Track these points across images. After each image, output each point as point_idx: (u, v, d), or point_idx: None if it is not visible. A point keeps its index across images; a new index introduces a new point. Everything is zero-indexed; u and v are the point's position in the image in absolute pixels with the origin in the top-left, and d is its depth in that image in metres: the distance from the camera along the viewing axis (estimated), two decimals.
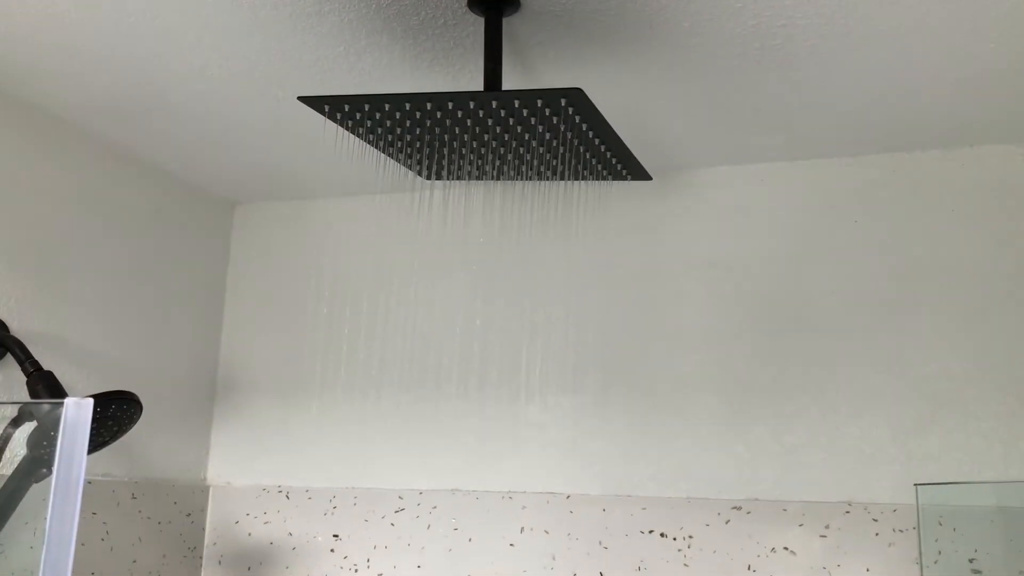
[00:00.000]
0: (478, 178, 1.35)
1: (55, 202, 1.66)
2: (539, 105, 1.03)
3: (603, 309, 1.80)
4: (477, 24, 1.28)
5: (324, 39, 1.35)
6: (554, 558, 1.73)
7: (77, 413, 0.67)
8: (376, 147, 1.25)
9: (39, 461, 1.43)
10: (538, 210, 1.79)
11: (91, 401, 0.70)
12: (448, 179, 1.38)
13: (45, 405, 1.41)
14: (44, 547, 0.62)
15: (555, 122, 1.08)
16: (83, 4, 1.28)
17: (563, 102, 1.02)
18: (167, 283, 1.91)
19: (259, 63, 1.44)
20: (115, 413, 1.42)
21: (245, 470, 1.98)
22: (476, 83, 1.46)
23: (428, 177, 1.36)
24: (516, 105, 1.04)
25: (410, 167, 1.32)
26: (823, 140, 1.67)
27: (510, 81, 1.44)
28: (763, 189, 1.77)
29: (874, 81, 1.43)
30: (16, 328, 1.56)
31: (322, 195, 2.05)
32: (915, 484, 1.35)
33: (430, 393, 1.88)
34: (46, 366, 1.49)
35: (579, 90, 0.99)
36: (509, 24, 1.27)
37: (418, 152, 1.26)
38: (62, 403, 1.34)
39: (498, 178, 1.33)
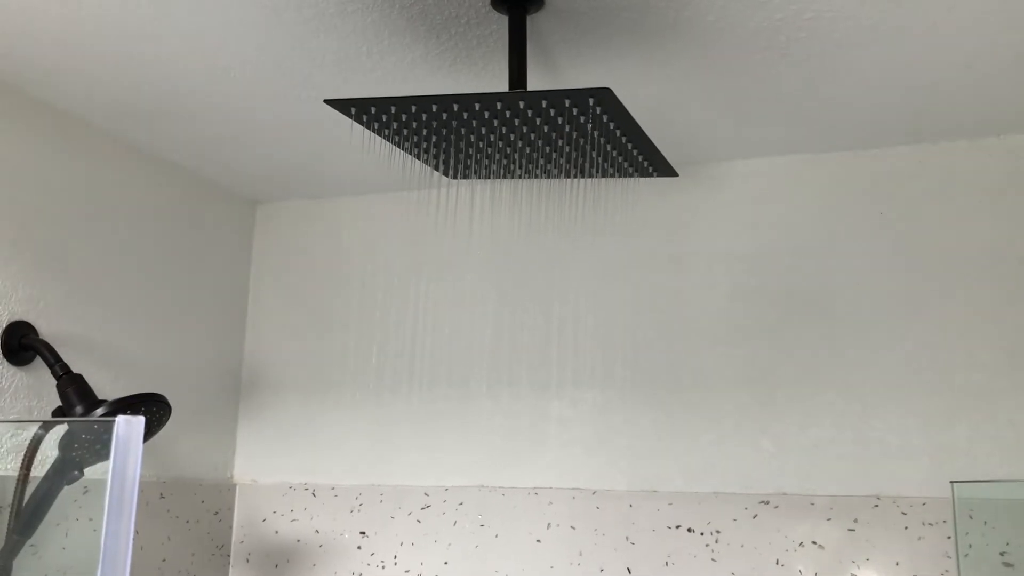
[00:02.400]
0: (503, 177, 1.35)
1: (79, 203, 1.67)
2: (567, 105, 1.03)
3: (628, 304, 1.80)
4: (500, 22, 1.28)
5: (346, 39, 1.35)
6: (581, 554, 1.73)
7: (128, 429, 0.67)
8: (401, 148, 1.25)
9: (70, 463, 1.44)
10: (563, 206, 1.79)
11: (142, 419, 0.70)
12: (473, 178, 1.37)
13: (77, 408, 1.43)
14: (100, 563, 0.62)
15: (583, 121, 1.07)
16: (105, 7, 1.28)
17: (591, 101, 1.01)
18: (190, 283, 1.92)
19: (282, 64, 1.44)
20: (145, 414, 1.42)
21: (271, 468, 1.99)
22: (500, 82, 1.46)
23: (453, 176, 1.36)
24: (543, 105, 1.04)
25: (435, 167, 1.32)
26: (849, 132, 1.66)
27: (535, 79, 1.44)
28: (788, 182, 1.76)
29: (901, 71, 1.42)
30: (43, 330, 1.57)
31: (345, 193, 2.05)
32: (951, 482, 1.34)
33: (456, 390, 1.88)
34: (74, 368, 1.50)
35: (608, 90, 0.98)
36: (533, 22, 1.27)
37: (444, 152, 1.25)
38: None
39: (524, 177, 1.33)
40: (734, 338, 1.73)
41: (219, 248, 2.02)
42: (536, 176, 1.33)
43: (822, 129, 1.65)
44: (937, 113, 1.57)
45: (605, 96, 1.00)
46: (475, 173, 1.34)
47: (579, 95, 1.00)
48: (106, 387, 1.66)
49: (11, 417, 1.51)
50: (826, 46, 1.34)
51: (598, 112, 1.04)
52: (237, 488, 2.00)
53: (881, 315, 1.66)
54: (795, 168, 1.76)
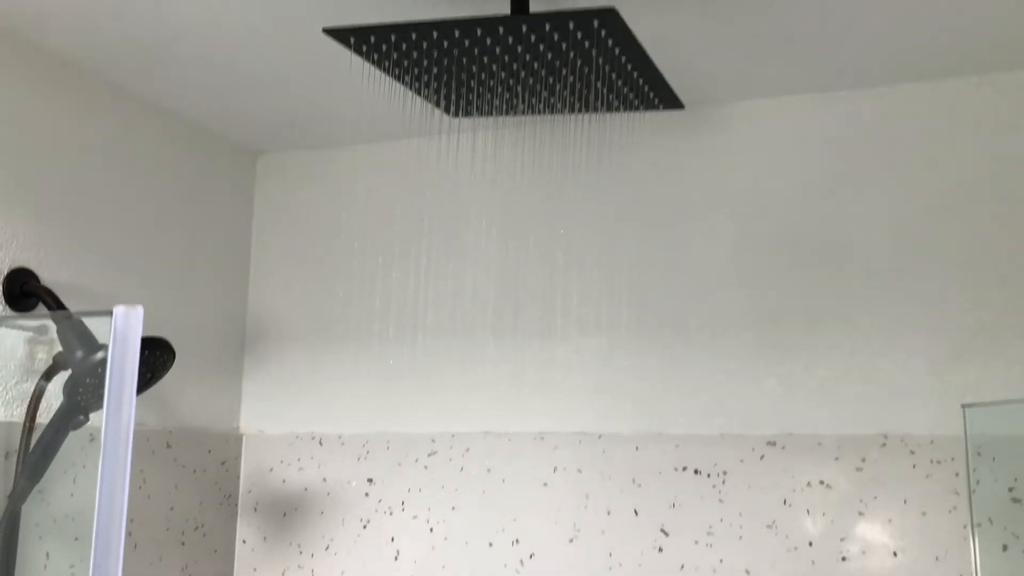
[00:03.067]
0: (505, 113, 1.33)
1: (79, 152, 1.65)
2: (571, 28, 1.01)
3: (633, 247, 1.78)
4: None
5: None
6: (587, 497, 1.74)
7: (127, 320, 0.65)
8: (402, 82, 1.23)
9: (75, 408, 1.44)
10: (567, 150, 1.77)
11: (140, 308, 0.69)
12: (475, 115, 1.35)
13: (78, 353, 1.42)
14: (100, 459, 0.61)
15: (587, 46, 1.05)
16: None
17: (596, 23, 0.99)
18: (192, 233, 1.91)
19: (277, 3, 1.41)
20: (148, 359, 1.42)
21: (278, 418, 1.99)
22: (502, 9, 1.43)
23: (455, 114, 1.34)
24: (547, 29, 1.02)
25: (436, 103, 1.30)
26: (857, 70, 1.63)
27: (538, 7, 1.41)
28: (796, 122, 1.73)
29: (910, 7, 1.38)
30: (45, 278, 1.56)
31: (346, 142, 2.03)
32: (963, 405, 1.33)
33: (461, 337, 1.87)
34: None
35: (613, 10, 0.96)
36: None
37: (445, 86, 1.23)
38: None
39: (526, 112, 1.31)
40: (740, 280, 1.71)
41: (221, 198, 2.00)
42: (539, 111, 1.31)
43: (830, 67, 1.62)
44: (946, 49, 1.54)
45: (610, 17, 0.97)
46: (477, 109, 1.32)
47: (584, 16, 0.98)
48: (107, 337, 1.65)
49: (12, 365, 1.51)
50: None
51: (603, 35, 1.01)
52: (244, 438, 2.00)
53: (888, 255, 1.64)
54: (802, 108, 1.73)
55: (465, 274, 1.89)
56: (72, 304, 1.54)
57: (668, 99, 1.22)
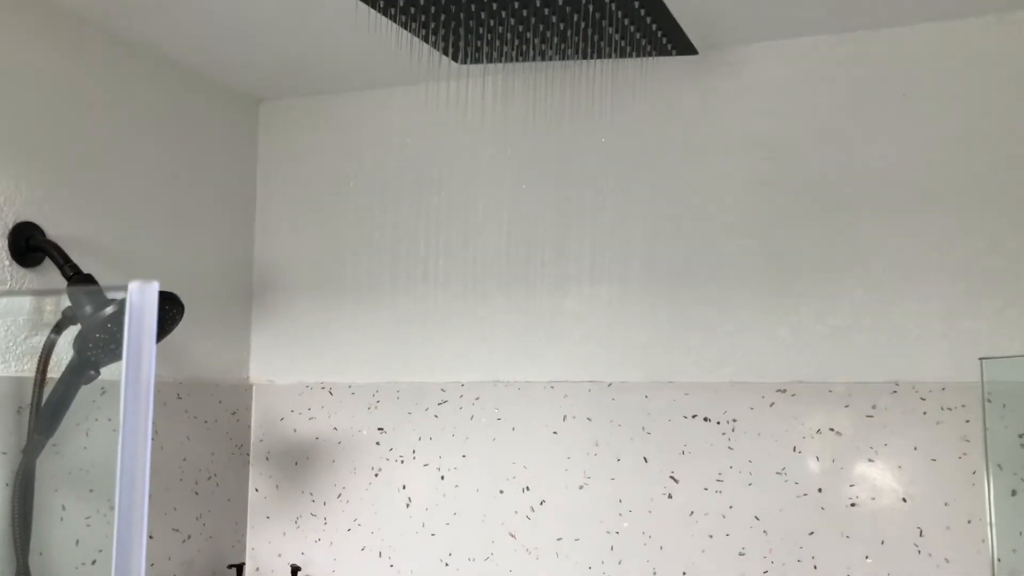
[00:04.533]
0: (514, 60, 1.29)
1: (81, 103, 1.62)
2: None
3: (643, 194, 1.76)
4: None
5: None
6: (597, 444, 1.74)
7: (142, 297, 0.64)
8: (408, 29, 1.19)
9: (86, 363, 1.44)
10: (577, 95, 1.74)
11: (156, 283, 0.68)
12: (483, 62, 1.32)
13: (87, 307, 1.41)
14: (119, 443, 0.60)
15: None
16: None
17: None
18: (196, 183, 1.89)
19: None
20: (157, 313, 1.41)
21: (287, 368, 1.99)
22: None
23: (463, 61, 1.31)
24: None
25: (444, 51, 1.27)
26: (870, 8, 1.59)
27: None
28: (807, 64, 1.70)
29: None
30: (50, 232, 1.55)
31: (349, 89, 2.00)
32: (980, 359, 1.32)
33: (470, 287, 1.87)
34: (83, 269, 1.49)
35: None
36: None
37: (453, 33, 1.20)
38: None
39: (535, 59, 1.28)
40: (751, 227, 1.70)
41: (224, 147, 1.97)
42: (549, 58, 1.28)
43: (842, 6, 1.58)
44: None
45: None
46: (486, 57, 1.29)
47: None
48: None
49: (21, 319, 1.50)
50: None
51: None
52: (254, 388, 2.01)
53: (901, 201, 1.62)
54: (814, 50, 1.69)
55: (474, 222, 1.87)
56: (77, 257, 1.52)
57: (681, 44, 1.19)
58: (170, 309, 1.44)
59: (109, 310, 1.37)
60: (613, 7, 1.05)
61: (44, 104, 1.55)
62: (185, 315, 1.56)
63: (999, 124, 1.58)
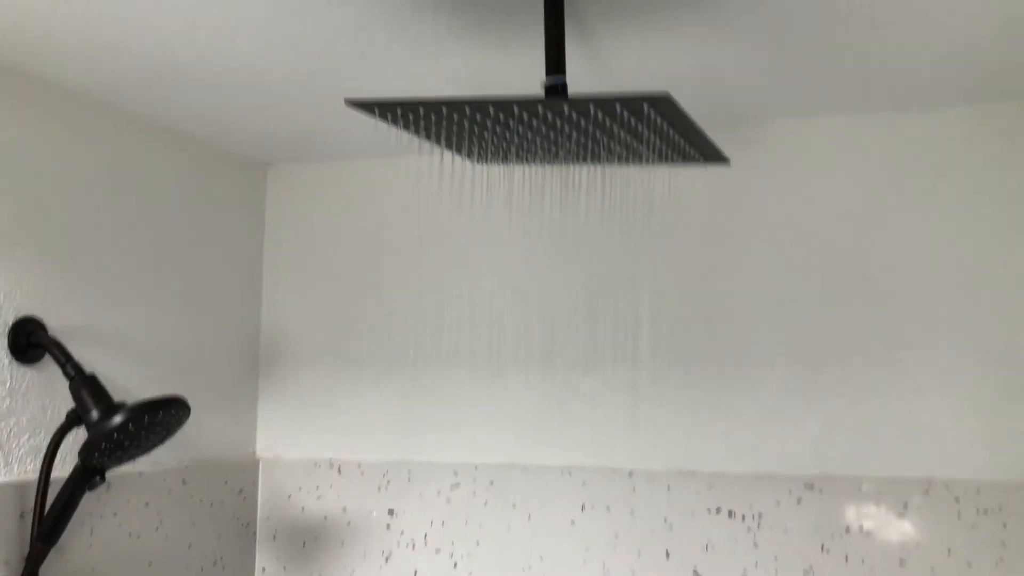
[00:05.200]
0: (539, 163, 1.24)
1: (83, 182, 1.57)
2: (618, 110, 0.92)
3: (666, 274, 1.70)
4: None
5: (363, 12, 1.22)
6: (617, 536, 1.69)
7: None
8: (428, 139, 1.14)
9: (91, 470, 1.39)
10: (597, 170, 1.68)
11: None
12: (500, 163, 1.27)
13: (94, 412, 1.36)
14: None
15: (633, 123, 0.96)
16: None
17: (646, 107, 0.90)
18: (203, 254, 1.83)
19: (293, 37, 1.32)
20: (163, 419, 1.36)
21: (295, 443, 1.94)
22: (532, 54, 1.34)
23: (484, 162, 1.26)
24: (591, 109, 0.93)
25: (465, 155, 1.22)
26: (904, 91, 1.53)
27: (572, 52, 1.31)
28: (837, 143, 1.64)
29: (963, 30, 1.28)
30: (52, 325, 1.49)
31: (359, 156, 1.94)
32: None
33: (484, 364, 1.81)
34: (85, 360, 1.43)
35: (667, 96, 0.87)
36: None
37: (475, 145, 1.15)
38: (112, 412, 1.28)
39: (563, 164, 1.22)
40: (779, 312, 1.64)
41: (230, 215, 1.92)
42: (578, 163, 1.22)
43: (876, 87, 1.52)
44: (998, 72, 1.44)
45: (663, 102, 0.89)
46: (509, 160, 1.24)
47: (634, 101, 0.89)
48: (119, 378, 1.59)
49: (24, 419, 1.45)
50: (889, 7, 1.21)
51: (653, 116, 0.93)
52: (260, 464, 1.95)
53: (935, 289, 1.56)
54: (845, 129, 1.64)
55: (492, 295, 1.82)
56: (81, 349, 1.47)
57: (714, 156, 1.14)
58: (176, 413, 1.38)
59: (118, 419, 1.31)
60: (648, 134, 0.99)
61: (44, 186, 1.50)
62: (191, 390, 1.53)
63: None
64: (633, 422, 1.71)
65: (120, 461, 1.39)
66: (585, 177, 1.69)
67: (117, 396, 1.39)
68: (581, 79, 1.44)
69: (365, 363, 1.90)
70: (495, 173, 1.76)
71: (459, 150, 1.19)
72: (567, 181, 1.71)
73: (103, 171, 1.61)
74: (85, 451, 1.34)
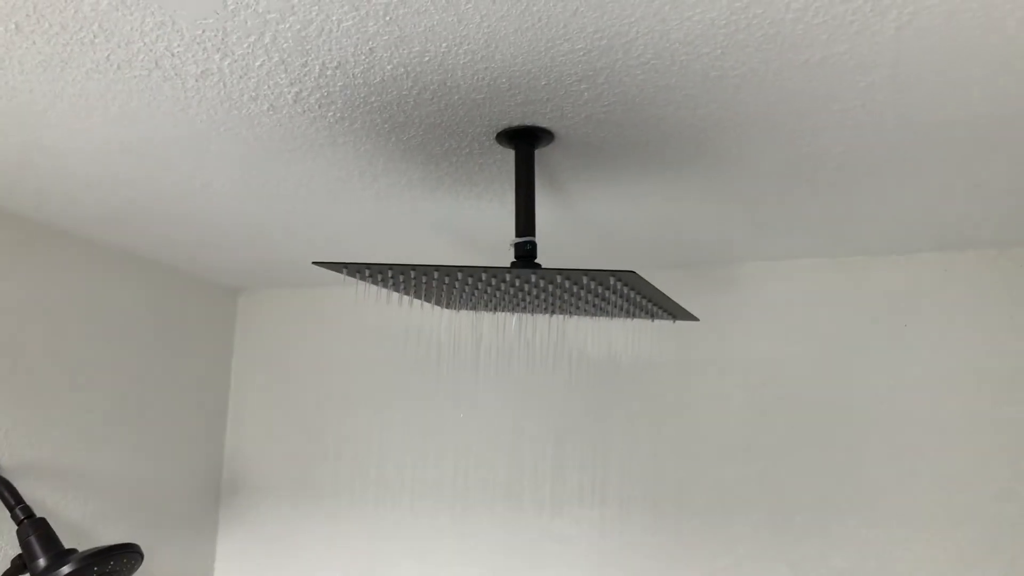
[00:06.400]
0: (509, 312, 1.24)
1: (52, 314, 1.54)
2: (585, 281, 0.92)
3: (635, 416, 1.69)
4: (506, 153, 1.17)
5: (337, 164, 1.23)
6: None
7: None
8: (397, 293, 1.13)
9: None
10: (565, 322, 1.68)
11: None
12: (472, 311, 1.26)
13: (40, 561, 1.30)
14: None
15: (601, 291, 0.96)
16: (73, 133, 1.16)
17: (612, 280, 0.90)
18: (170, 382, 1.80)
19: (267, 183, 1.32)
20: (114, 568, 1.31)
21: None
22: (502, 205, 1.35)
23: (448, 307, 1.25)
24: (558, 280, 0.93)
25: (431, 302, 1.21)
26: (873, 239, 1.56)
27: (543, 203, 1.33)
28: (807, 285, 1.65)
29: (935, 190, 1.31)
30: (6, 462, 1.44)
31: (330, 283, 1.93)
32: None
33: (449, 503, 1.77)
34: (39, 496, 1.39)
35: (633, 273, 0.87)
36: (541, 153, 1.16)
37: (445, 297, 1.14)
38: (60, 561, 1.23)
39: (527, 313, 1.22)
40: (750, 453, 1.62)
41: (199, 340, 1.89)
42: (546, 315, 1.22)
43: (844, 238, 1.55)
44: (965, 222, 1.47)
45: (630, 277, 0.89)
46: (477, 309, 1.23)
47: (601, 275, 0.89)
48: (75, 515, 1.53)
49: None
50: (856, 175, 1.23)
51: (620, 287, 0.93)
52: None
53: (907, 434, 1.55)
54: (815, 272, 1.65)
55: (458, 433, 1.79)
56: (35, 486, 1.42)
57: (684, 317, 1.14)
58: (129, 561, 1.33)
59: (66, 570, 1.26)
60: (616, 299, 0.99)
61: (12, 322, 1.47)
62: (150, 521, 1.48)
63: (1005, 356, 1.53)
64: (602, 565, 1.66)
65: None
66: (554, 325, 1.69)
67: (71, 532, 1.34)
68: (552, 226, 1.45)
69: (328, 497, 1.85)
70: (465, 316, 1.75)
71: (427, 300, 1.19)
72: (536, 327, 1.71)
73: (72, 302, 1.59)
74: None
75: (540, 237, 1.43)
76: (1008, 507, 1.48)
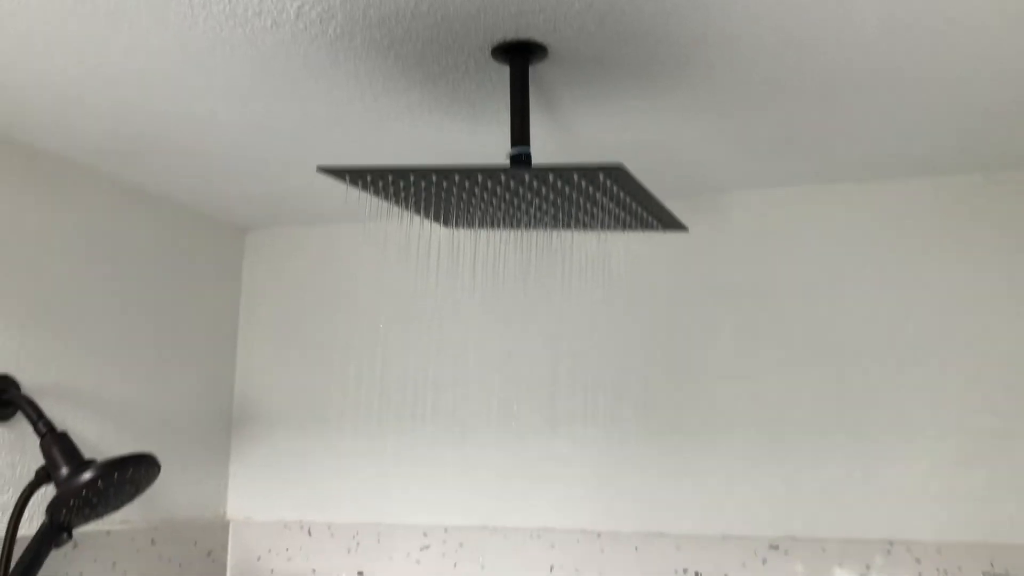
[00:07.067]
0: (505, 228, 1.29)
1: (61, 244, 1.60)
2: (575, 179, 0.97)
3: (633, 340, 1.74)
4: (501, 70, 1.21)
5: (338, 86, 1.28)
6: None
7: None
8: (397, 205, 1.18)
9: (59, 528, 1.39)
10: (566, 236, 1.73)
11: None
12: (473, 228, 1.31)
13: (63, 470, 1.37)
14: None
15: (591, 191, 1.01)
16: (84, 57, 1.20)
17: (602, 176, 0.95)
18: (179, 315, 1.86)
19: (270, 108, 1.37)
20: (133, 476, 1.37)
21: (266, 505, 1.94)
22: (500, 125, 1.40)
23: (452, 227, 1.30)
24: (551, 179, 0.98)
25: (433, 219, 1.26)
26: (860, 163, 1.60)
27: (537, 123, 1.37)
28: (797, 213, 1.70)
29: (921, 110, 1.35)
30: (26, 382, 1.50)
31: (336, 220, 1.98)
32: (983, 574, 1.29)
33: (455, 425, 1.83)
34: (57, 418, 1.45)
35: (620, 167, 0.92)
36: (535, 70, 1.20)
37: (443, 210, 1.19)
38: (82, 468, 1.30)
39: (528, 228, 1.27)
40: (742, 375, 1.68)
41: (207, 278, 1.95)
42: (541, 228, 1.27)
43: (832, 161, 1.59)
44: (954, 146, 1.51)
45: (618, 172, 0.94)
46: (475, 225, 1.28)
47: (591, 172, 0.94)
48: (91, 437, 1.60)
49: None
50: (844, 90, 1.28)
51: (609, 185, 0.98)
52: (231, 525, 1.95)
53: (891, 354, 1.61)
54: (803, 198, 1.70)
55: (462, 359, 1.85)
56: (54, 407, 1.48)
57: (672, 223, 1.19)
58: (146, 471, 1.39)
59: (87, 476, 1.32)
60: (606, 201, 1.04)
61: (23, 249, 1.53)
62: (163, 451, 1.55)
63: (988, 280, 1.58)
64: (602, 482, 1.72)
65: (88, 519, 1.40)
66: (549, 241, 1.74)
67: (88, 454, 1.40)
68: (546, 149, 1.49)
69: (336, 425, 1.92)
70: (461, 237, 1.81)
71: (427, 214, 1.24)
72: (531, 245, 1.76)
73: (82, 233, 1.64)
74: (53, 508, 1.34)
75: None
76: (990, 419, 1.54)
